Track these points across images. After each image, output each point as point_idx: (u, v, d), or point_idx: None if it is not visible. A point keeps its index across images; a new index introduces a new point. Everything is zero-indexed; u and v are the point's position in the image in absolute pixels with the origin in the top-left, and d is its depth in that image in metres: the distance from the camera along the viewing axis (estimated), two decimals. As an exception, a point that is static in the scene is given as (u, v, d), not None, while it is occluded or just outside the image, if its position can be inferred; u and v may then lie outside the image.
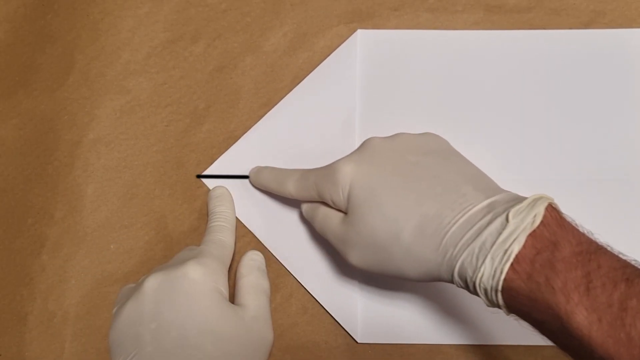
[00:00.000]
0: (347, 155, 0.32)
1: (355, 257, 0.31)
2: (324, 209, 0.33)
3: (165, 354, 0.29)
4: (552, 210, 0.25)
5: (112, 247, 0.40)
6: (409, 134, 0.32)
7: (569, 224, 0.25)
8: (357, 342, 0.36)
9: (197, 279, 0.31)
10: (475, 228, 0.26)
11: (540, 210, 0.25)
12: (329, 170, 0.32)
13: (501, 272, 0.24)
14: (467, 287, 0.27)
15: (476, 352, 0.36)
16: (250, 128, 0.41)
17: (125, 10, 0.44)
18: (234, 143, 0.41)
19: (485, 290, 0.25)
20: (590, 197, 0.38)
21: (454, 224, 0.27)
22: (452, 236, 0.27)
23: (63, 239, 0.40)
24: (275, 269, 0.38)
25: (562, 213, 0.26)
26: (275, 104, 0.41)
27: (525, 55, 0.41)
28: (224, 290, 0.32)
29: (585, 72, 0.40)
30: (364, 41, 0.42)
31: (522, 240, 0.24)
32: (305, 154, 0.39)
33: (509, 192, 0.28)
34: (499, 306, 0.26)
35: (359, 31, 0.42)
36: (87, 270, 0.39)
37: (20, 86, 0.43)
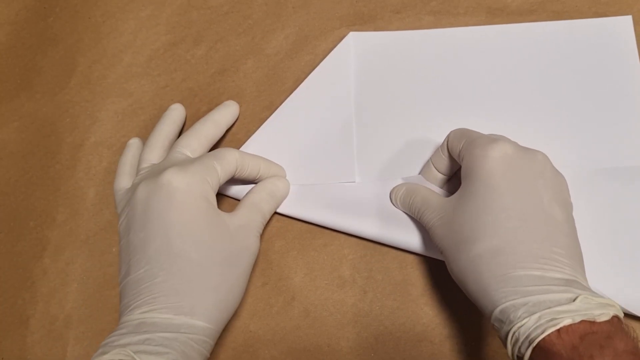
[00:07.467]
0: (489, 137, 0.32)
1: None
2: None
3: (150, 261, 0.30)
4: (617, 318, 0.26)
5: (114, 250, 0.39)
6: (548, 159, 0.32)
7: (629, 331, 0.26)
8: None
9: (181, 187, 0.31)
10: (544, 287, 0.26)
11: (607, 312, 0.25)
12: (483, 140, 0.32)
13: (543, 332, 0.25)
14: (498, 326, 0.27)
15: (469, 349, 0.36)
16: (252, 130, 0.41)
17: (127, 13, 0.44)
18: (236, 146, 0.40)
19: (517, 339, 0.26)
20: (601, 186, 0.37)
21: (528, 269, 0.27)
22: (518, 278, 0.27)
23: (65, 242, 0.40)
24: (277, 272, 0.38)
25: (624, 323, 0.26)
26: (277, 107, 0.41)
27: (517, 48, 0.41)
28: (212, 198, 0.33)
29: (580, 60, 0.40)
30: (356, 43, 0.42)
31: (577, 319, 0.25)
32: (304, 155, 0.39)
33: (587, 285, 0.28)
34: (519, 357, 0.26)
35: (351, 33, 0.42)
36: (89, 273, 0.39)
37: (22, 89, 0.43)
